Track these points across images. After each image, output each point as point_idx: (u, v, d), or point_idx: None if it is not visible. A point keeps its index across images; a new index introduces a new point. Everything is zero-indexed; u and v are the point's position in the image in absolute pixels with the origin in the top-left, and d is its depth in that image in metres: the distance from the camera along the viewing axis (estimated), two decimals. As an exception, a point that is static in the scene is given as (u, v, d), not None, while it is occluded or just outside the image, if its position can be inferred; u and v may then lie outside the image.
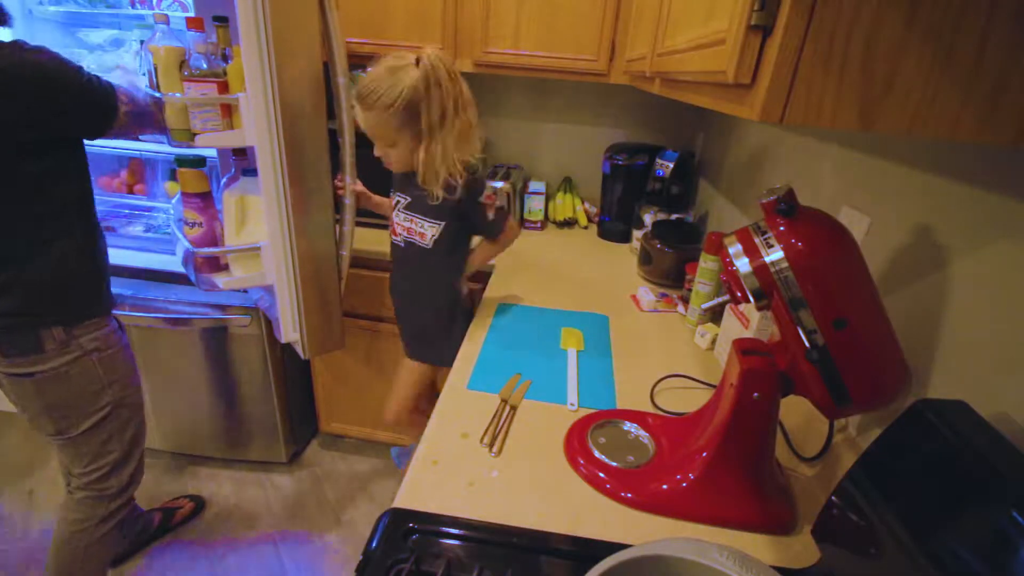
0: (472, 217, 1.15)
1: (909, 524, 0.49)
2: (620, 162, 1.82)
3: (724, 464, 0.70)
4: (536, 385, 0.96)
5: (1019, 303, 0.55)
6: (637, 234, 1.71)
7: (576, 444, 0.81)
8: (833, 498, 0.59)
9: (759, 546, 0.67)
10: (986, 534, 0.42)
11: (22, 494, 1.79)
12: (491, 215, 1.16)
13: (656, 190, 1.75)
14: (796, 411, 0.85)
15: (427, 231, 1.15)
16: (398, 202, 1.19)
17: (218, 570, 1.57)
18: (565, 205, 1.98)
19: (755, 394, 0.66)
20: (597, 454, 0.78)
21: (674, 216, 1.67)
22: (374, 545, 0.63)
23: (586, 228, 2.00)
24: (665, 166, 1.72)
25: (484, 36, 1.67)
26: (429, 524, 0.66)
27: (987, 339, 0.59)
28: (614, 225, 1.88)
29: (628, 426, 0.85)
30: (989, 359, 0.58)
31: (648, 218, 1.66)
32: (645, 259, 1.50)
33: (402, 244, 1.20)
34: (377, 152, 1.09)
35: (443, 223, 1.13)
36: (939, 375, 0.65)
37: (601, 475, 0.75)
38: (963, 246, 0.63)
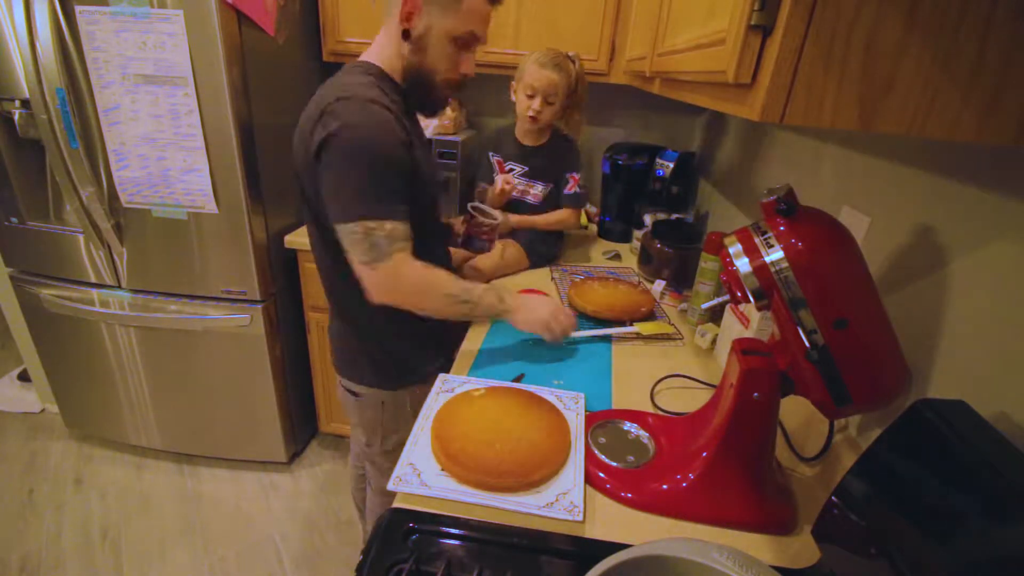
0: (561, 184, 1.55)
1: (909, 524, 0.49)
2: (620, 162, 1.82)
3: (724, 464, 0.70)
4: (536, 385, 0.96)
5: (1019, 303, 0.55)
6: (637, 234, 1.71)
7: (576, 444, 0.81)
8: (833, 498, 0.59)
9: (759, 546, 0.67)
10: (987, 534, 0.42)
11: (22, 494, 1.79)
12: (571, 190, 1.56)
13: (656, 190, 1.75)
14: (796, 411, 0.85)
15: (539, 192, 1.57)
16: (512, 170, 1.57)
17: (218, 570, 1.57)
18: (565, 205, 1.98)
19: (755, 394, 0.66)
20: (597, 454, 0.78)
21: (674, 216, 1.67)
22: (374, 545, 0.63)
23: (586, 228, 2.00)
24: (665, 166, 1.72)
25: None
26: (429, 524, 0.66)
27: (987, 339, 0.59)
28: (614, 225, 1.87)
29: (628, 426, 0.85)
30: (989, 359, 0.58)
31: (648, 218, 1.66)
32: (645, 259, 1.50)
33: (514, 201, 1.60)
34: (536, 107, 1.43)
35: (551, 186, 1.56)
36: (939, 375, 0.65)
37: (601, 475, 0.75)
38: (963, 246, 0.63)
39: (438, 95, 0.97)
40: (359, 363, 1.09)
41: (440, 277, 0.92)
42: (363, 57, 0.95)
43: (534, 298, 1.04)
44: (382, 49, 0.94)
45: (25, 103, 1.46)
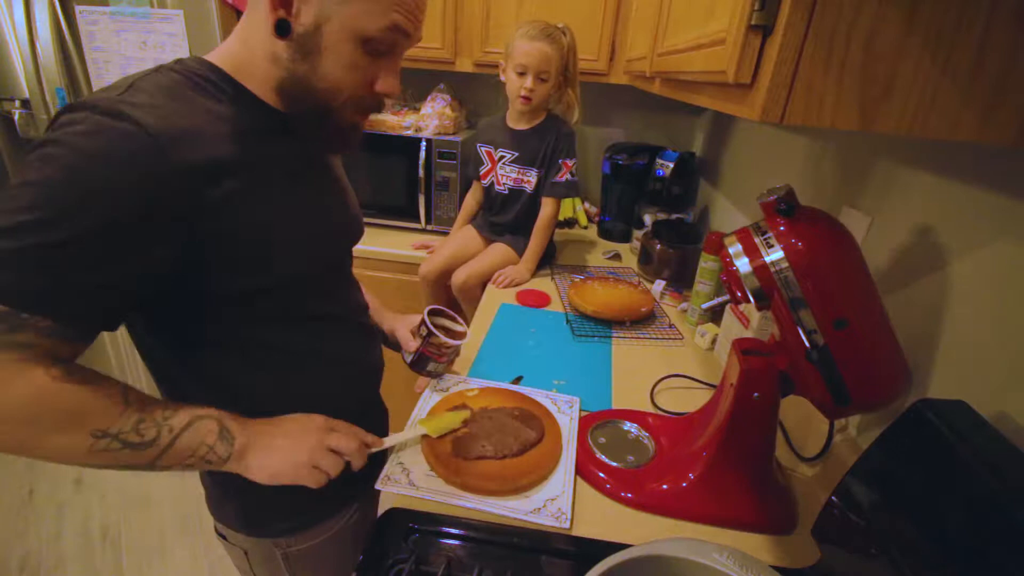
0: (551, 169, 1.43)
1: (909, 524, 0.49)
2: (620, 162, 1.82)
3: (724, 464, 0.70)
4: (536, 385, 0.96)
5: (1019, 303, 0.55)
6: (637, 234, 1.71)
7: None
8: (833, 498, 0.59)
9: (759, 546, 0.67)
10: (987, 534, 0.42)
11: (22, 494, 1.79)
12: (562, 178, 1.43)
13: (656, 190, 1.75)
14: (796, 411, 0.85)
15: (532, 179, 1.46)
16: (502, 158, 1.47)
17: (218, 570, 1.57)
18: (565, 205, 1.98)
19: (755, 394, 0.66)
20: (597, 454, 0.78)
21: (674, 216, 1.67)
22: (374, 545, 0.63)
23: (586, 228, 2.00)
24: (665, 166, 1.72)
25: (484, 36, 1.67)
26: (429, 524, 0.66)
27: (987, 339, 0.59)
28: (614, 225, 1.88)
29: (628, 426, 0.85)
30: (989, 359, 0.58)
31: (648, 218, 1.66)
32: (645, 259, 1.50)
33: (506, 192, 1.50)
34: (528, 85, 1.33)
35: (541, 171, 1.45)
36: (939, 375, 0.65)
37: (601, 475, 0.75)
38: (963, 246, 0.63)
39: (341, 122, 0.61)
40: (212, 492, 0.77)
41: (96, 398, 0.50)
42: (208, 55, 0.61)
43: (285, 426, 0.63)
44: (233, 42, 0.60)
45: (25, 103, 1.46)
